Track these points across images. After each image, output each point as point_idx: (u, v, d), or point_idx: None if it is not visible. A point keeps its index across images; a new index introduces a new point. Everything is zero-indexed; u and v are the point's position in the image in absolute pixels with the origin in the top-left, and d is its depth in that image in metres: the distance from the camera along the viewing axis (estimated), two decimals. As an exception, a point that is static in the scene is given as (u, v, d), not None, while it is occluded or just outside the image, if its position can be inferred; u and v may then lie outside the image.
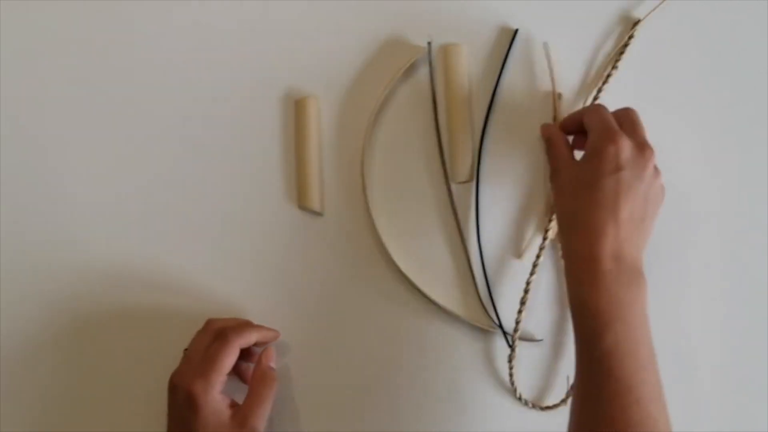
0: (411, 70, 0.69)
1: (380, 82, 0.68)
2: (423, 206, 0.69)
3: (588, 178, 0.58)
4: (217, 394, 0.59)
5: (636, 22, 0.68)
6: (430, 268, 0.69)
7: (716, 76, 0.69)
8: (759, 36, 0.69)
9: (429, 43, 0.68)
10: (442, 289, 0.69)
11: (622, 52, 0.68)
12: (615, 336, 0.55)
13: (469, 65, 0.69)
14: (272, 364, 0.64)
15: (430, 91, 0.69)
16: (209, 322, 0.63)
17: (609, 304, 0.56)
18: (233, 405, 0.61)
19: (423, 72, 0.69)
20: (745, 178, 0.69)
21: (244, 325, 0.63)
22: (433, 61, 0.68)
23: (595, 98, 0.68)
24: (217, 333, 0.61)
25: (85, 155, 0.70)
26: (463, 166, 0.69)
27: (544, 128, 0.66)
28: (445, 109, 0.69)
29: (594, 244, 0.57)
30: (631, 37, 0.68)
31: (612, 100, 0.67)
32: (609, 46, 0.69)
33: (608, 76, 0.68)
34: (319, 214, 0.68)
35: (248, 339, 0.62)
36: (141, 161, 0.69)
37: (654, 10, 0.68)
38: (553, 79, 0.67)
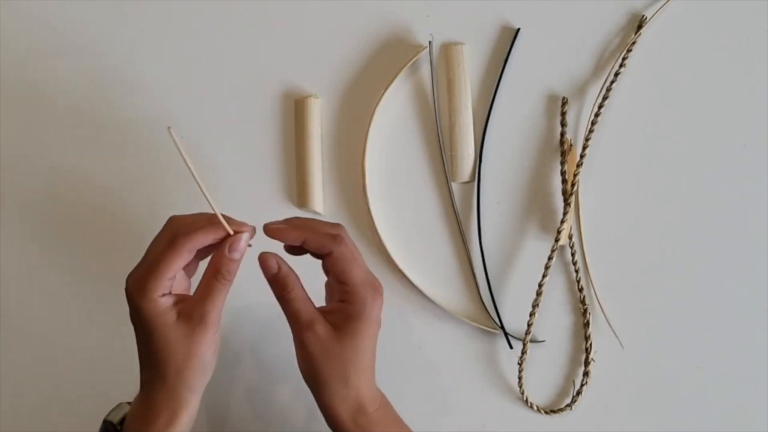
0: (412, 69, 0.69)
1: (381, 81, 0.68)
2: (424, 206, 0.69)
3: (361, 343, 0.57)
4: (156, 298, 0.55)
5: (642, 20, 0.67)
6: (431, 269, 0.69)
7: (725, 74, 0.68)
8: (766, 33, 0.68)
9: (430, 42, 0.68)
10: (443, 289, 0.68)
11: (630, 50, 0.67)
12: None
13: (470, 64, 0.68)
14: (234, 255, 0.58)
15: (431, 90, 0.68)
16: (170, 220, 0.58)
17: None
18: (180, 301, 0.57)
19: (424, 71, 0.69)
20: (752, 177, 0.67)
21: (199, 226, 0.57)
22: (434, 61, 0.68)
23: (604, 98, 0.67)
24: (171, 233, 0.57)
25: (83, 156, 0.70)
26: (464, 166, 0.68)
27: (272, 259, 0.59)
28: (447, 108, 0.68)
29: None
30: (638, 35, 0.67)
31: (619, 99, 0.67)
32: (615, 44, 0.68)
33: (617, 74, 0.67)
34: (319, 214, 0.69)
35: (201, 241, 0.56)
36: (140, 161, 0.70)
37: (661, 8, 0.67)
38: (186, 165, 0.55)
